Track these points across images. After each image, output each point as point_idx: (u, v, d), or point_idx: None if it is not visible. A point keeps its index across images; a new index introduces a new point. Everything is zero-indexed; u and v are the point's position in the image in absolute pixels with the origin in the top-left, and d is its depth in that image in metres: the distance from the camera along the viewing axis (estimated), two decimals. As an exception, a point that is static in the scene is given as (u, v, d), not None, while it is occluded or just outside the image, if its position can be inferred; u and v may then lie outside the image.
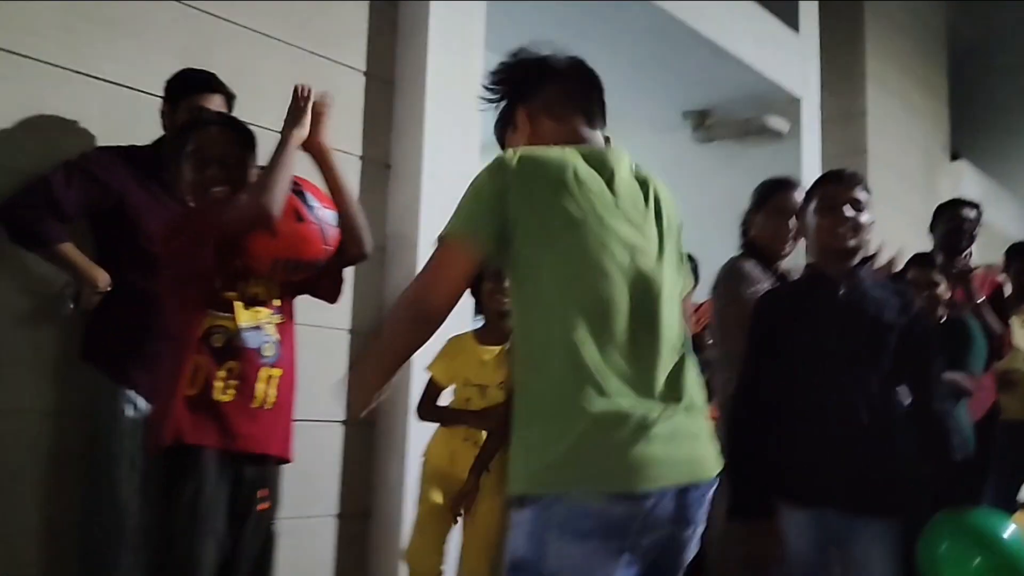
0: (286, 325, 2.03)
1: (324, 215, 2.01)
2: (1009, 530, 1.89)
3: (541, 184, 1.34)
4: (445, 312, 1.37)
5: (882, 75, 6.05)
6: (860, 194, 2.07)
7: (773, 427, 2.04)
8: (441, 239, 1.36)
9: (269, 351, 1.95)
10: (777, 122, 5.04)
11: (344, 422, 2.94)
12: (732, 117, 5.20)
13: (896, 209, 5.52)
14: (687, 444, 1.33)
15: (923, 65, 6.83)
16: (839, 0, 5.69)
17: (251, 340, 1.92)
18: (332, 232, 2.02)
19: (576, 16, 4.10)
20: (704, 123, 5.32)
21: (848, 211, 2.05)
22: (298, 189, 1.97)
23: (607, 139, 1.56)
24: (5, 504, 2.14)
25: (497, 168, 1.36)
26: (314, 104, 2.03)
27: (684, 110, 5.34)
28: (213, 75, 2.36)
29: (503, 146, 1.56)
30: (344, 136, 3.01)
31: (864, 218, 2.07)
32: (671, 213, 1.48)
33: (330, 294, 2.16)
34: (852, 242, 2.05)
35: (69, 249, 2.14)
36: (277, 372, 1.95)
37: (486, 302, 2.65)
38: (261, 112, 2.64)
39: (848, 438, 1.97)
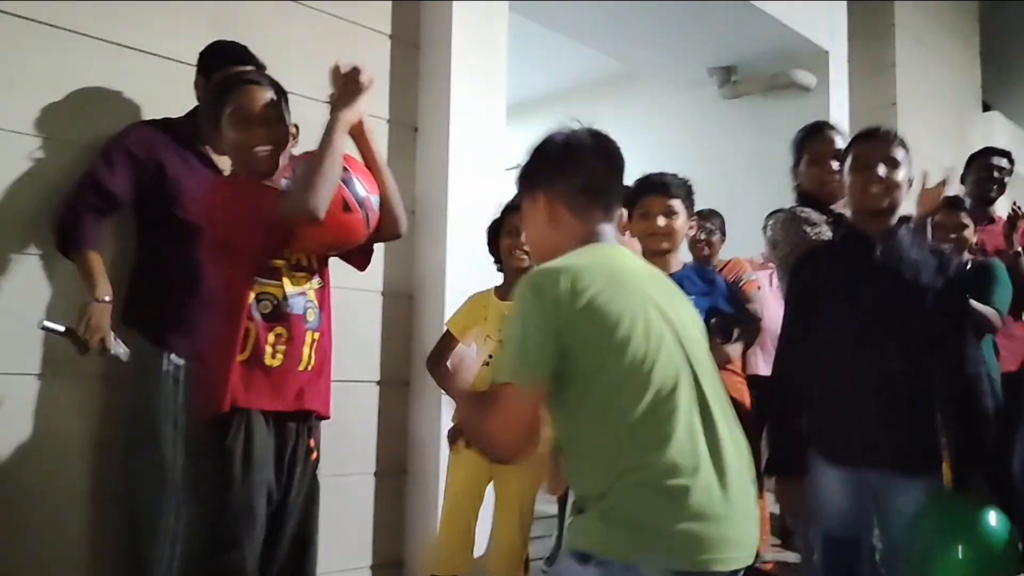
0: (324, 290, 2.09)
1: (370, 201, 2.04)
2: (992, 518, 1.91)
3: (588, 308, 1.35)
4: (525, 451, 1.41)
5: (912, 26, 5.93)
6: (896, 152, 2.05)
7: (812, 386, 2.06)
8: (503, 383, 1.36)
9: (312, 316, 2.02)
10: (804, 76, 4.97)
11: (379, 382, 3.00)
12: (759, 72, 5.14)
13: (926, 161, 5.44)
14: (746, 527, 1.38)
15: (953, 15, 6.68)
16: (867, -51, 5.58)
17: (297, 306, 1.99)
18: (375, 216, 2.07)
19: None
20: (730, 79, 5.26)
21: (881, 170, 2.03)
22: (346, 176, 1.98)
23: (622, 215, 1.62)
24: (58, 465, 2.22)
25: (545, 299, 1.36)
26: (358, 83, 2.01)
27: (710, 66, 5.29)
28: (244, 47, 2.38)
29: (520, 204, 1.67)
30: (371, 99, 3.03)
31: (900, 176, 2.05)
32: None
33: (361, 264, 2.24)
34: (885, 202, 2.04)
35: (93, 259, 2.16)
36: (318, 336, 2.03)
37: (506, 258, 2.64)
38: (289, 78, 2.68)
39: (885, 398, 1.98)
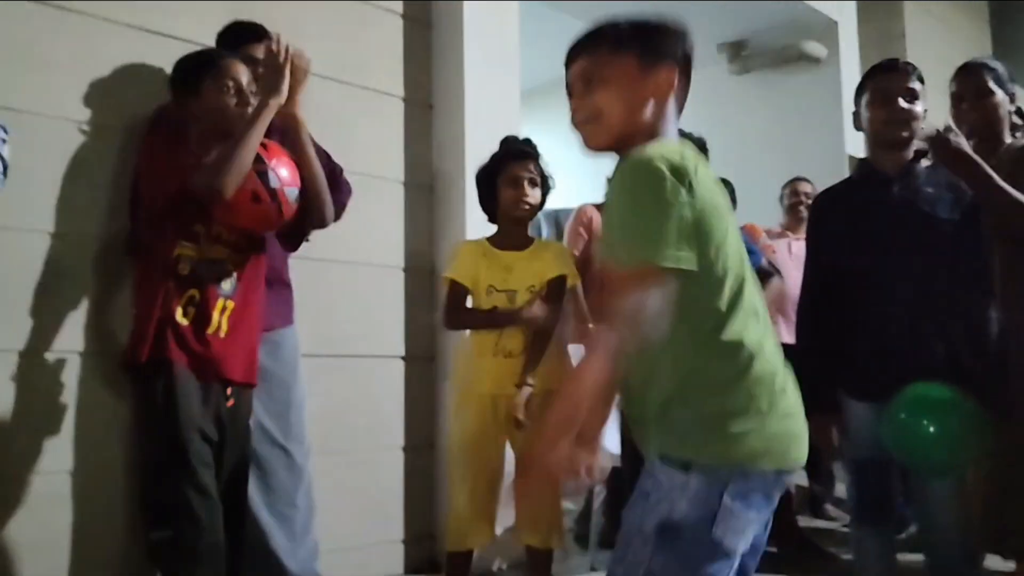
0: (248, 264, 2.15)
1: (285, 193, 2.08)
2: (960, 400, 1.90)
3: (704, 198, 1.27)
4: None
5: (920, -4, 5.92)
6: (914, 84, 2.08)
7: (837, 324, 2.09)
8: (635, 264, 1.23)
9: (227, 286, 2.09)
10: (815, 47, 4.98)
11: (404, 357, 3.04)
12: (768, 46, 5.15)
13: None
14: (803, 422, 1.36)
15: (961, -16, 6.66)
16: (873, -80, 5.57)
17: (209, 271, 2.07)
18: (290, 207, 2.10)
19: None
20: (740, 54, 5.27)
21: (902, 102, 2.06)
22: (261, 168, 2.03)
23: None
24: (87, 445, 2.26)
25: (669, 180, 1.23)
26: (292, 66, 2.07)
27: (719, 43, 5.30)
28: (260, 26, 2.42)
29: (582, 86, 1.40)
30: (386, 77, 3.08)
31: (918, 108, 2.08)
32: None
33: (289, 246, 2.29)
34: (905, 132, 2.07)
35: None
36: (231, 304, 2.10)
37: (509, 209, 2.50)
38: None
39: (907, 332, 2.01)
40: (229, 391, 2.12)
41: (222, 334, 2.08)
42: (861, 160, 2.23)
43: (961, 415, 1.86)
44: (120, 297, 2.25)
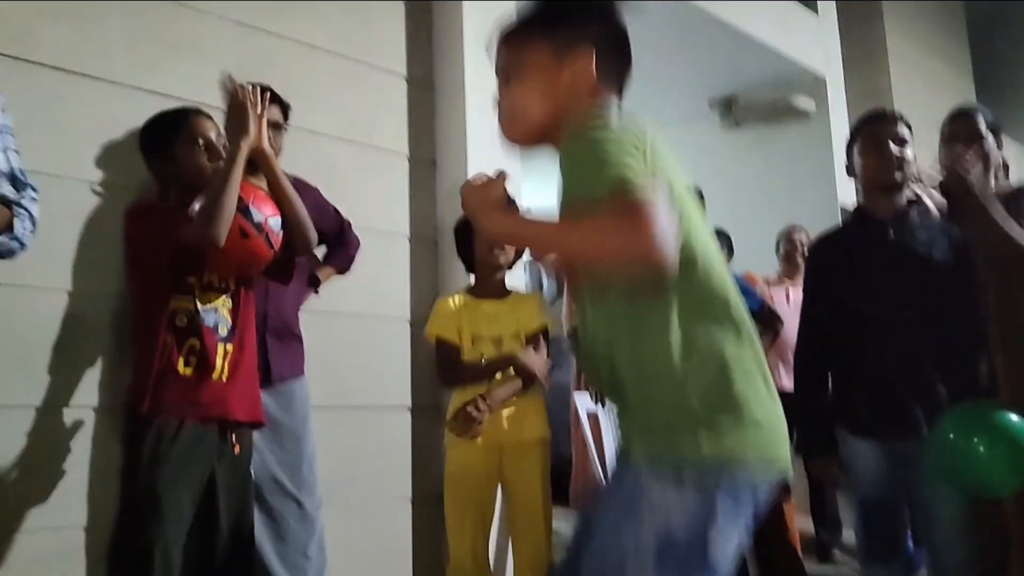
0: (240, 308, 2.20)
1: (269, 224, 2.14)
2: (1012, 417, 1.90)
3: (664, 165, 1.18)
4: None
5: (904, 51, 6.11)
6: (903, 130, 2.17)
7: (837, 365, 2.14)
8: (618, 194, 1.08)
9: (223, 330, 2.14)
10: (804, 101, 5.12)
11: (411, 408, 3.07)
12: (758, 100, 5.30)
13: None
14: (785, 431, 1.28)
15: (944, 39, 6.87)
16: (854, -21, 5.78)
17: (208, 320, 2.12)
18: (277, 237, 2.16)
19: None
20: (731, 109, 5.41)
21: (892, 147, 2.14)
22: (242, 206, 2.09)
23: None
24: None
25: (622, 136, 1.15)
26: (252, 102, 2.12)
27: (710, 97, 5.44)
28: (269, 87, 2.50)
29: (502, 79, 1.34)
30: (391, 136, 3.17)
31: (908, 153, 2.16)
32: None
33: (281, 279, 2.33)
34: (898, 176, 2.15)
35: None
36: (231, 347, 2.14)
37: (484, 258, 2.57)
38: (312, 118, 2.82)
39: (906, 372, 2.06)
40: (234, 438, 2.13)
41: (224, 378, 2.12)
42: (856, 207, 2.30)
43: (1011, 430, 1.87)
44: (130, 353, 2.28)
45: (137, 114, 2.46)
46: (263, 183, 2.21)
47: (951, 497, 1.97)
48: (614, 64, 1.30)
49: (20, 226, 1.82)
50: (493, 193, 1.24)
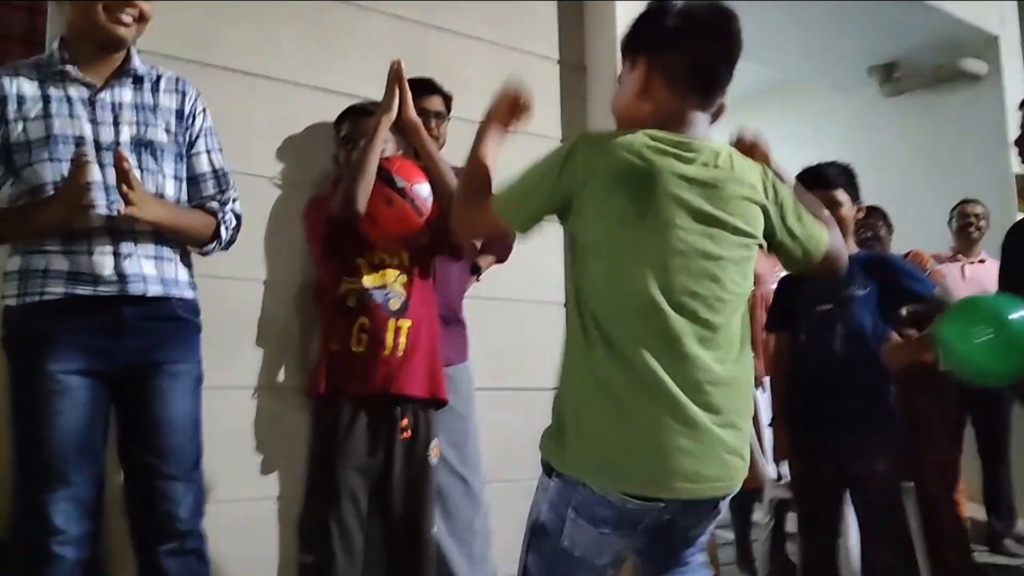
0: (416, 282, 2.27)
1: (414, 190, 2.17)
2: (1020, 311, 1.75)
3: (603, 174, 1.31)
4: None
5: (1089, 2, 5.58)
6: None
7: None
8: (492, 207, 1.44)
9: (395, 305, 2.21)
10: (974, 64, 4.78)
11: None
12: (922, 66, 4.99)
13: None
14: (715, 463, 1.28)
15: None
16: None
17: (378, 297, 2.20)
18: (424, 203, 2.19)
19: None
20: (891, 76, 5.12)
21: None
22: (384, 175, 2.15)
23: (722, 106, 1.43)
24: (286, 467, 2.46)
25: (560, 154, 1.38)
26: (396, 78, 2.19)
27: (868, 65, 5.17)
28: (432, 80, 2.59)
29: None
30: (544, 120, 3.21)
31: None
32: (761, 200, 1.39)
33: (452, 253, 2.37)
34: None
35: None
36: (406, 323, 2.21)
37: None
38: (473, 107, 2.88)
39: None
40: (405, 422, 2.21)
41: (400, 353, 2.19)
42: None
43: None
44: (317, 336, 2.44)
45: (308, 111, 2.62)
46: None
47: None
48: (683, 69, 1.38)
49: (225, 234, 1.97)
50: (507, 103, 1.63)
